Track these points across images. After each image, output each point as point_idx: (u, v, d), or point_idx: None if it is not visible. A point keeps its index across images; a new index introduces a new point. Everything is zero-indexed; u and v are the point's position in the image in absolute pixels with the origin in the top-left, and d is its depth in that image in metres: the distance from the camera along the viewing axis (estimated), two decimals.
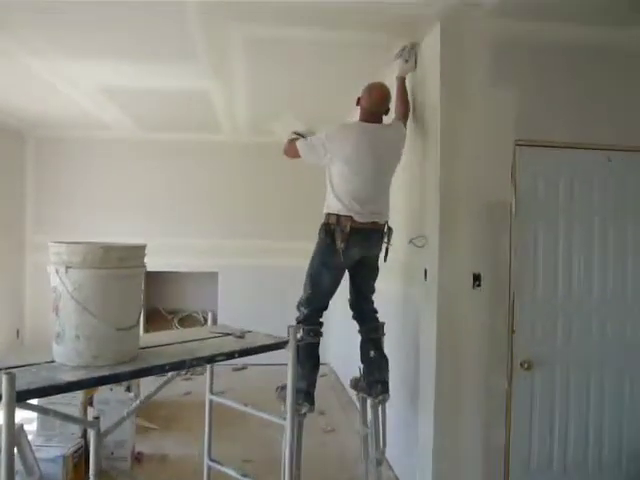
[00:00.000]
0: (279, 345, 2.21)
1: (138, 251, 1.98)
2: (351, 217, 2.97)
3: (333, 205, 3.03)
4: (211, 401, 2.64)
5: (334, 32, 3.17)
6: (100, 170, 6.31)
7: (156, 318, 6.65)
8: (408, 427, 3.37)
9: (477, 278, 2.90)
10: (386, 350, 3.39)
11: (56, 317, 1.81)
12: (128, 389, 3.85)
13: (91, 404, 3.62)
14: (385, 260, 3.26)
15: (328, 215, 3.05)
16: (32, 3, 2.77)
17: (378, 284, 3.32)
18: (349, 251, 2.99)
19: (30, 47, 3.43)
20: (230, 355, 2.03)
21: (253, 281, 6.26)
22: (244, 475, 2.53)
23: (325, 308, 3.18)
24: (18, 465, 2.82)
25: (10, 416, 1.44)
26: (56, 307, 1.80)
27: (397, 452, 3.56)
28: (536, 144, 2.92)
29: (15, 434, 2.80)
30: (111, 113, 5.27)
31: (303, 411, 2.91)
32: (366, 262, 3.17)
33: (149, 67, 3.85)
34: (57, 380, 1.61)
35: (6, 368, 1.72)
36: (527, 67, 2.93)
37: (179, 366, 1.88)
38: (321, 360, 6.33)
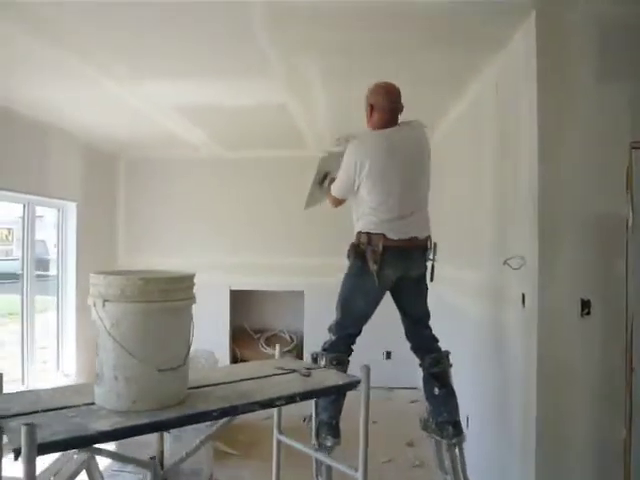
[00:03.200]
0: (349, 386, 1.94)
1: (184, 282, 1.78)
2: (384, 235, 2.68)
3: (363, 223, 2.77)
4: (279, 441, 2.41)
5: (413, 33, 2.88)
6: (185, 188, 6.39)
7: (243, 337, 6.59)
8: (504, 472, 2.97)
9: (586, 305, 2.47)
10: (469, 378, 3.02)
11: (96, 355, 1.65)
12: None
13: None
14: (432, 279, 2.93)
15: (359, 234, 2.78)
16: (112, 31, 2.84)
17: (457, 303, 2.99)
18: (384, 272, 2.70)
19: (112, 73, 3.50)
20: (291, 399, 1.79)
21: None
22: None
23: (357, 334, 2.90)
24: None
25: (30, 471, 1.28)
26: (97, 344, 1.65)
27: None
28: None
29: (87, 464, 2.75)
30: (193, 132, 5.29)
31: (328, 444, 2.63)
32: (408, 283, 2.85)
33: (226, 84, 3.79)
34: (86, 430, 1.44)
35: (44, 410, 1.59)
36: None
37: (229, 412, 1.66)
38: (413, 384, 6.01)
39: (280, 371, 2.08)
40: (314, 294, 6.16)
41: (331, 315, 6.00)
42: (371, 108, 2.85)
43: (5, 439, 1.50)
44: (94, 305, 1.62)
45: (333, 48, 3.07)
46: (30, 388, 4.32)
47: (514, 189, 2.85)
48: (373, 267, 2.68)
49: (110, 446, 3.66)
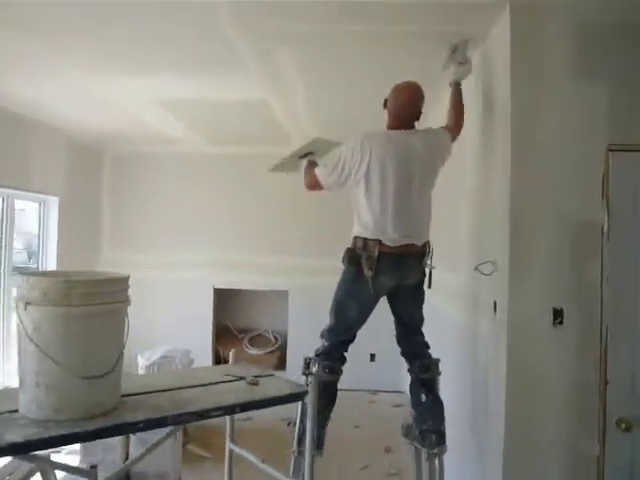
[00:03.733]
0: (296, 396, 1.84)
1: (114, 284, 1.67)
2: (380, 241, 2.58)
3: (359, 228, 2.67)
4: (231, 451, 2.31)
5: (387, 26, 2.77)
6: (171, 185, 6.30)
7: (226, 336, 6.49)
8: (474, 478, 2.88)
9: (559, 314, 2.36)
10: (448, 387, 2.92)
11: (18, 360, 1.56)
12: None
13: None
14: (429, 286, 2.82)
15: (355, 239, 2.68)
16: (81, 24, 2.79)
17: (439, 306, 2.90)
18: (379, 279, 2.61)
19: (85, 66, 3.46)
20: (230, 409, 1.70)
21: (324, 300, 5.90)
22: None
23: (351, 341, 2.81)
24: None
25: None
26: (18, 349, 1.55)
27: None
28: (636, 149, 2.33)
29: (40, 466, 2.66)
30: (176, 127, 5.21)
31: None
32: (405, 290, 2.76)
33: (203, 80, 3.72)
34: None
35: None
36: (623, 56, 2.35)
37: (158, 424, 1.56)
38: (397, 388, 5.91)
39: (227, 378, 1.98)
40: (298, 294, 6.08)
41: (315, 315, 5.94)
42: (385, 103, 2.77)
43: None
44: (16, 308, 1.52)
45: (305, 41, 2.98)
46: (2, 388, 4.24)
47: (489, 192, 2.75)
48: (368, 273, 2.59)
49: (76, 448, 3.65)
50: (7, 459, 2.58)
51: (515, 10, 2.39)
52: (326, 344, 2.77)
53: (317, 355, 2.76)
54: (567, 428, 2.36)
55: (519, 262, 2.39)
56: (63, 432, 1.43)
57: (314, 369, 2.64)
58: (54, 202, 5.53)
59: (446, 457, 2.75)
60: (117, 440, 3.45)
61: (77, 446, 3.63)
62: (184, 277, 6.12)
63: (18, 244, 5.99)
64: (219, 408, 1.67)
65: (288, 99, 4.15)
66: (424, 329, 2.94)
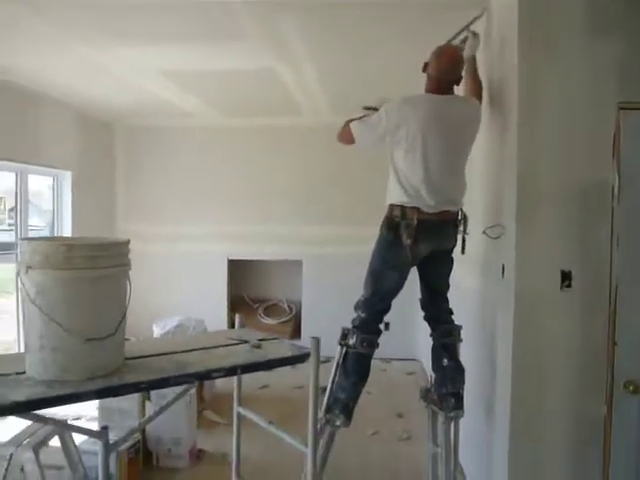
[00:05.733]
0: (298, 359, 1.86)
1: (114, 248, 1.69)
2: (418, 208, 2.56)
3: (397, 195, 2.62)
4: (239, 413, 2.36)
5: None
6: (184, 157, 6.32)
7: (241, 307, 6.56)
8: (482, 443, 2.90)
9: (566, 276, 2.33)
10: (462, 357, 2.93)
11: (23, 324, 1.59)
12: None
13: (149, 398, 3.53)
14: (463, 252, 2.81)
15: (391, 207, 2.64)
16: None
17: (454, 278, 2.90)
18: (417, 247, 2.58)
19: (90, 39, 3.46)
20: (231, 371, 1.72)
21: (338, 270, 5.94)
22: None
23: (387, 311, 2.79)
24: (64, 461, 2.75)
25: None
26: (22, 313, 1.58)
27: (474, 470, 3.10)
28: None
29: (58, 431, 2.74)
30: (184, 99, 5.20)
31: (337, 423, 2.58)
32: (437, 256, 2.74)
33: (207, 49, 3.69)
34: (5, 400, 1.38)
35: None
36: (636, 12, 2.26)
37: (160, 384, 1.60)
38: (411, 356, 5.93)
39: (231, 342, 2.01)
40: (312, 263, 6.10)
41: (329, 284, 5.98)
42: (425, 67, 2.72)
43: None
44: (19, 273, 1.55)
45: (309, 6, 2.92)
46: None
47: (498, 156, 2.71)
48: (407, 241, 2.57)
49: (94, 414, 3.75)
50: (27, 422, 2.67)
51: None
52: (362, 315, 2.73)
53: (355, 327, 2.72)
54: (574, 390, 2.35)
55: (527, 224, 2.35)
56: (67, 392, 1.47)
57: (351, 341, 2.63)
58: (67, 176, 5.59)
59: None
60: (134, 407, 3.56)
61: (96, 414, 3.73)
62: (199, 249, 6.18)
63: (40, 222, 6.10)
64: (220, 369, 1.70)
65: (297, 69, 4.11)
66: None
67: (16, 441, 2.63)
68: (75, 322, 1.53)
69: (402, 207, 2.59)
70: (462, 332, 2.92)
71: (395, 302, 3.01)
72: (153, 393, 3.47)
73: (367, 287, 2.76)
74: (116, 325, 1.62)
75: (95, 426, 3.62)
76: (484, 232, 2.66)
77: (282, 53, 3.71)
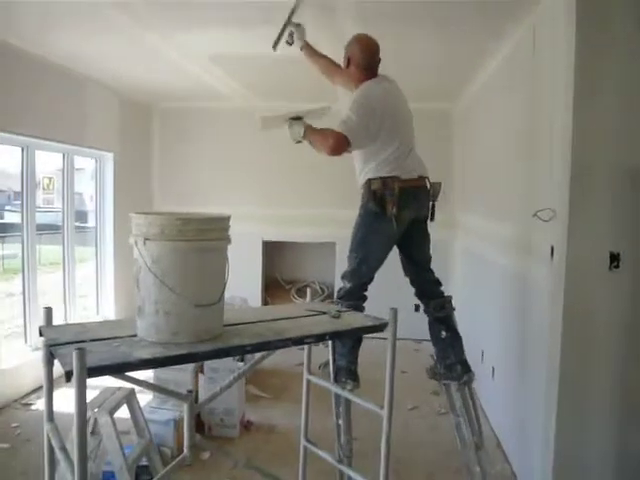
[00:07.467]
0: (377, 328, 2.01)
1: (220, 222, 1.87)
2: (398, 177, 2.71)
3: (373, 170, 2.77)
4: (308, 381, 2.52)
5: None
6: (220, 139, 6.46)
7: (275, 287, 6.74)
8: (526, 423, 3.05)
9: (615, 258, 2.45)
10: (497, 331, 3.06)
11: (137, 290, 1.76)
12: (241, 359, 3.88)
13: (202, 371, 3.72)
14: (432, 219, 2.93)
15: (369, 182, 2.77)
16: None
17: (484, 254, 3.02)
18: (401, 215, 2.73)
19: (145, 23, 3.55)
20: (321, 337, 1.88)
21: None
22: (339, 461, 2.40)
23: (370, 281, 2.93)
24: (130, 426, 2.94)
25: (81, 391, 1.40)
26: (137, 280, 1.75)
27: (507, 428, 3.27)
28: None
29: (128, 398, 2.93)
30: (225, 82, 5.30)
31: (348, 388, 2.70)
32: (417, 226, 2.89)
33: (255, 34, 3.75)
34: (130, 357, 1.55)
35: (91, 340, 1.71)
36: None
37: (262, 347, 1.76)
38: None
39: (311, 313, 2.17)
40: (345, 245, 6.18)
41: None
42: (348, 60, 2.89)
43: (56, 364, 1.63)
44: (135, 244, 1.71)
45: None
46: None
47: (547, 140, 2.81)
48: (392, 210, 2.69)
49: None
50: (95, 392, 2.85)
51: None
52: (348, 285, 2.89)
53: (340, 297, 2.88)
54: (620, 372, 2.46)
55: (578, 207, 2.45)
56: (185, 351, 1.63)
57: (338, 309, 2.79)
58: (109, 158, 5.74)
59: (496, 402, 2.88)
60: (188, 379, 3.74)
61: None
62: (234, 230, 6.26)
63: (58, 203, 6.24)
64: (312, 335, 1.86)
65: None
66: (465, 276, 3.07)
67: (91, 406, 2.81)
68: (186, 288, 1.69)
69: (382, 179, 2.73)
70: (496, 308, 3.01)
71: None
72: (206, 366, 3.66)
73: (353, 258, 2.89)
74: (219, 294, 1.79)
75: (149, 396, 3.83)
76: (535, 214, 2.77)
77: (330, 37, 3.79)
